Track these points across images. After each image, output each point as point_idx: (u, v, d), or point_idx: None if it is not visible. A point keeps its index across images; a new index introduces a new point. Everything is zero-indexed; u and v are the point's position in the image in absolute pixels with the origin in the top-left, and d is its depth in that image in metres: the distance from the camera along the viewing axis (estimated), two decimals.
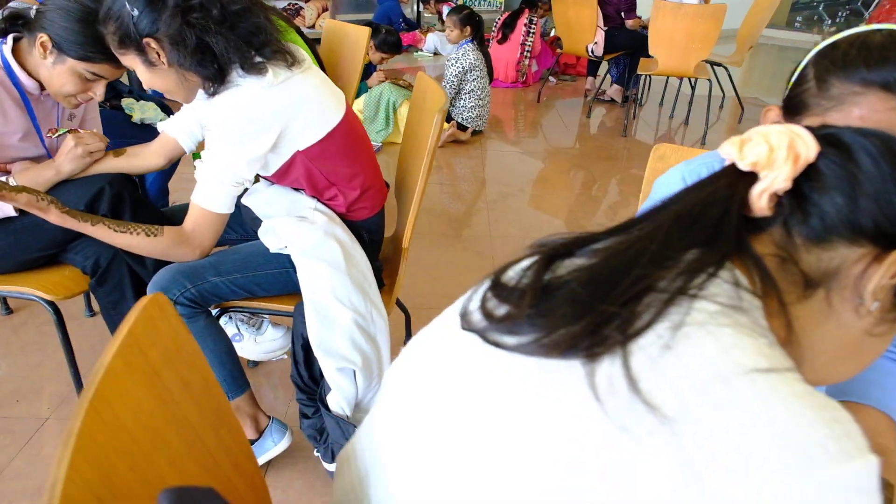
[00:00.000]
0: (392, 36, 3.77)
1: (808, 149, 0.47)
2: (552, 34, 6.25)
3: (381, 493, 0.52)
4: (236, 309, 1.36)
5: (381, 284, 1.41)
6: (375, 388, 1.36)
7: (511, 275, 0.52)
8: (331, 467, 1.37)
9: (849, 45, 0.71)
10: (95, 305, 2.07)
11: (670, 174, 0.93)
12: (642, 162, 3.84)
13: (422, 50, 6.93)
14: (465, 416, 0.46)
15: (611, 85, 5.17)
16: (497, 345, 0.46)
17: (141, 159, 1.43)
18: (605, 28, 4.66)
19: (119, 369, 0.54)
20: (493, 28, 5.60)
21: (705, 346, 0.38)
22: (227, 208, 1.22)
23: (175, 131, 1.43)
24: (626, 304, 0.42)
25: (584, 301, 0.43)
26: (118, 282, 1.38)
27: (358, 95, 3.79)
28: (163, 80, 1.18)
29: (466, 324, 0.50)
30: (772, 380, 0.37)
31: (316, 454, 1.41)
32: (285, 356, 1.81)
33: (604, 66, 5.23)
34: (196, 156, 2.06)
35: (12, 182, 1.29)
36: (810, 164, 0.47)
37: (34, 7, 1.32)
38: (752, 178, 0.49)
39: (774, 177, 0.47)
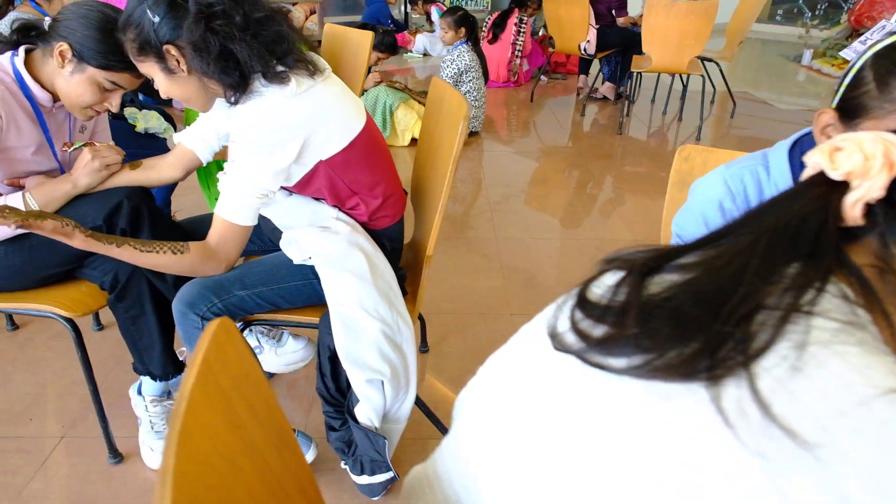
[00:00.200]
0: (389, 36, 3.76)
1: None
2: (541, 33, 6.26)
3: None
4: (259, 322, 1.35)
5: (403, 293, 1.40)
6: (402, 398, 1.35)
7: (598, 292, 0.51)
8: (360, 480, 1.36)
9: None
10: (103, 319, 2.04)
11: (711, 179, 0.93)
12: (638, 159, 3.86)
13: (411, 51, 6.91)
14: (568, 439, 0.45)
15: (602, 83, 5.18)
16: (601, 367, 0.45)
17: (157, 172, 1.41)
18: (597, 26, 4.68)
19: (197, 399, 0.52)
20: (483, 28, 5.59)
21: (835, 367, 0.38)
22: (252, 220, 1.20)
23: (192, 142, 1.41)
24: (739, 323, 0.41)
25: (694, 320, 0.42)
26: (138, 297, 1.35)
27: None
28: (181, 87, 1.16)
29: (560, 345, 0.49)
30: None
31: (344, 466, 1.40)
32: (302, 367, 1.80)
33: (595, 65, 5.25)
34: (201, 176, 2.04)
35: (29, 197, 1.26)
36: None
37: (47, 18, 1.29)
38: (843, 187, 0.48)
39: (870, 186, 0.47)
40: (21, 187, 1.33)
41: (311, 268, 1.29)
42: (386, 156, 1.37)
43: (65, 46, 1.21)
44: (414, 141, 3.78)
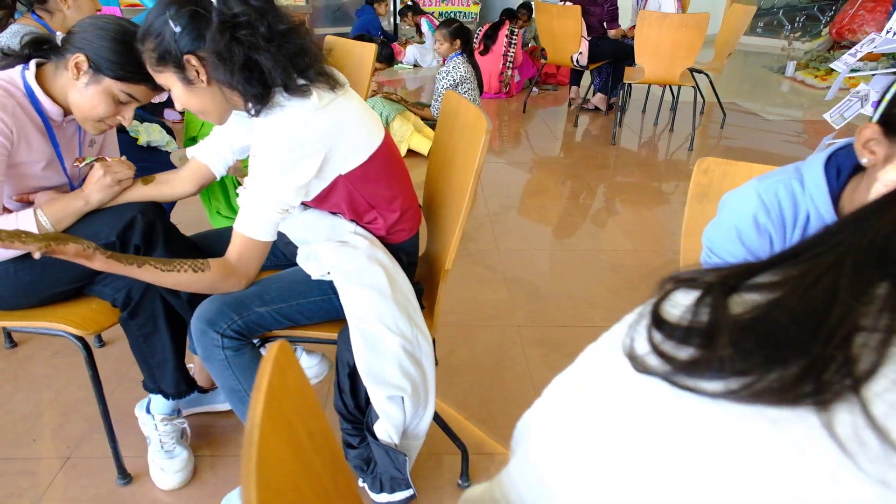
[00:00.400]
0: (387, 48, 3.77)
1: None
2: (531, 45, 6.31)
3: None
4: (275, 339, 1.32)
5: (420, 307, 1.38)
6: (421, 414, 1.33)
7: (675, 313, 0.50)
8: (379, 498, 1.34)
9: None
10: (105, 335, 2.00)
11: (744, 193, 0.93)
12: (631, 169, 3.88)
13: (402, 62, 6.92)
14: (661, 462, 0.45)
15: (594, 94, 5.22)
16: (692, 390, 0.44)
17: (171, 187, 1.39)
18: (589, 38, 4.72)
19: (266, 426, 0.51)
20: (474, 40, 5.62)
21: None
22: (272, 236, 1.19)
23: (206, 157, 1.39)
24: (840, 346, 0.41)
25: (791, 342, 0.42)
26: (151, 314, 1.33)
27: None
28: (199, 98, 1.15)
29: (642, 367, 0.48)
30: None
31: (362, 484, 1.38)
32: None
33: (586, 76, 5.29)
34: (208, 203, 2.01)
35: (41, 215, 1.23)
36: None
37: (58, 33, 1.27)
38: None
39: None
40: (30, 203, 1.31)
41: (329, 283, 1.27)
42: (403, 169, 1.36)
43: (81, 58, 1.19)
44: (410, 152, 3.77)
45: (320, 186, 1.24)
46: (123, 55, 1.19)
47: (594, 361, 0.55)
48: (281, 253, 1.48)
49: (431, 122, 4.00)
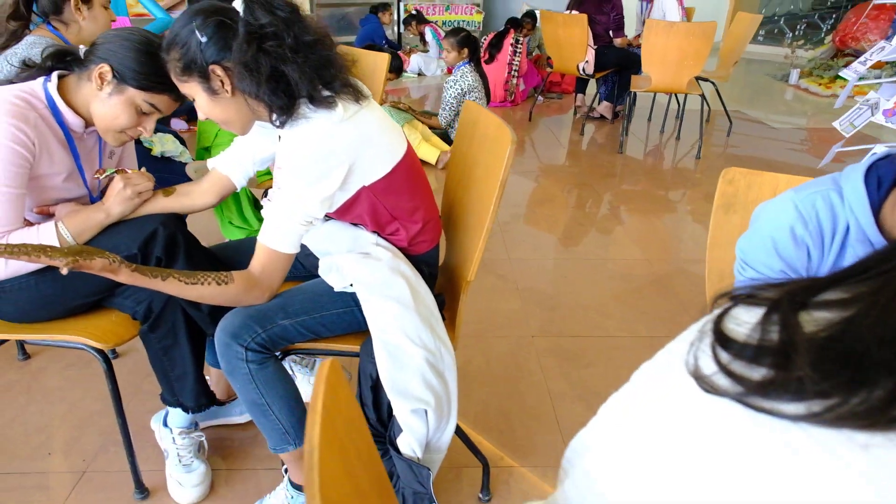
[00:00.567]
0: (396, 59, 3.77)
1: None
2: (535, 53, 6.32)
3: None
4: (297, 351, 1.31)
5: (442, 318, 1.37)
6: (444, 427, 1.31)
7: (740, 331, 0.49)
8: None
9: None
10: (119, 348, 1.98)
11: (780, 205, 0.92)
12: (638, 178, 3.88)
13: (406, 71, 6.93)
14: (736, 485, 0.43)
15: (599, 102, 5.23)
16: (769, 412, 0.43)
17: (191, 199, 1.38)
18: (595, 47, 4.73)
19: (323, 447, 0.49)
20: (480, 48, 5.64)
21: None
22: (296, 248, 1.18)
23: (227, 168, 1.38)
24: None
25: (875, 362, 0.41)
26: (171, 327, 1.31)
27: None
28: (223, 109, 1.14)
29: (710, 387, 0.47)
30: None
31: None
32: None
33: (591, 84, 5.30)
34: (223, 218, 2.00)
35: (62, 227, 1.22)
36: None
37: (81, 47, 1.27)
38: None
39: None
40: (50, 215, 1.30)
41: (352, 295, 1.26)
42: (424, 180, 1.36)
43: (105, 68, 1.18)
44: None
45: (344, 198, 1.23)
46: (147, 65, 1.19)
47: (654, 380, 0.54)
48: (301, 265, 1.47)
49: (439, 131, 4.00)
